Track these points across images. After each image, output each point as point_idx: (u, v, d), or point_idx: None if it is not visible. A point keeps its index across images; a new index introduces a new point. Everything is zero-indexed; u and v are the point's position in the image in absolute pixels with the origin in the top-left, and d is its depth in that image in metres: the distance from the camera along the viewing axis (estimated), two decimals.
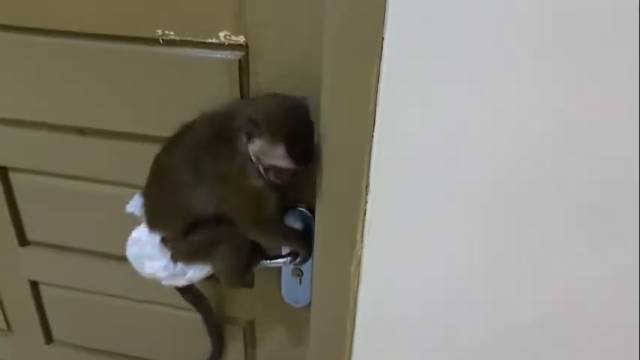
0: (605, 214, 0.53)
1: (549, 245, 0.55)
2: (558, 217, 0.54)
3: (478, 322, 0.62)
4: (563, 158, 0.51)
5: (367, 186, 0.57)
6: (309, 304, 0.75)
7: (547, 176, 0.52)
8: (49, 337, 0.95)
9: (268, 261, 0.70)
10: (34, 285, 0.89)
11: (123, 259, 0.81)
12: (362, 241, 0.60)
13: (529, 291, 0.58)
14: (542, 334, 0.60)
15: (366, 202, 0.58)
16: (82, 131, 0.73)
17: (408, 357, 0.67)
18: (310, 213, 0.68)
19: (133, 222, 0.77)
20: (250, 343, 0.84)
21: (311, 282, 0.73)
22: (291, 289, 0.76)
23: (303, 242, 0.67)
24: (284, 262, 0.70)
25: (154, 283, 0.82)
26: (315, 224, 0.63)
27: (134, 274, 0.82)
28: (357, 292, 0.64)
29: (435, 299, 0.62)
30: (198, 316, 0.83)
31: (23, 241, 0.85)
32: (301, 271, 0.74)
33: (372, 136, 0.54)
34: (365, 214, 0.59)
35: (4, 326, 0.95)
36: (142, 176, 0.73)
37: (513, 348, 0.63)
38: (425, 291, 0.62)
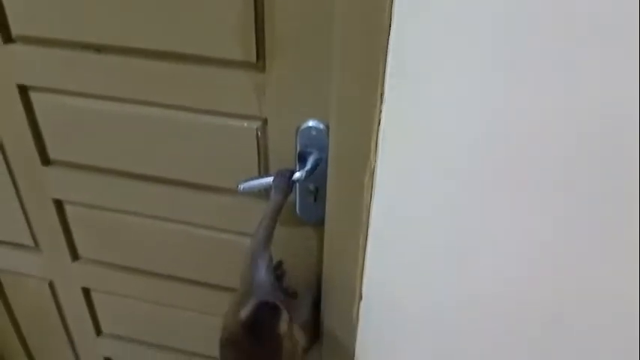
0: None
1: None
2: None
3: (488, 228, 0.62)
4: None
5: (382, 95, 0.57)
6: (324, 220, 0.78)
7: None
8: (75, 255, 0.99)
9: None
10: (59, 204, 0.92)
11: (144, 177, 0.84)
12: (376, 153, 0.61)
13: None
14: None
15: (381, 111, 0.58)
16: (98, 49, 0.73)
17: (419, 268, 0.69)
18: (323, 126, 0.68)
19: (153, 140, 0.79)
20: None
21: (325, 197, 0.75)
22: (306, 206, 0.77)
23: None
24: (299, 177, 0.70)
25: (175, 201, 0.85)
26: (330, 137, 0.63)
27: (155, 193, 0.85)
28: (370, 205, 0.66)
29: (446, 209, 0.63)
30: (222, 235, 0.86)
31: (46, 160, 0.87)
32: (316, 188, 0.76)
33: (387, 45, 0.54)
34: (379, 125, 0.59)
35: (32, 244, 0.99)
36: (160, 93, 0.74)
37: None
38: (436, 203, 0.63)
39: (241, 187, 0.72)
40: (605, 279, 0.60)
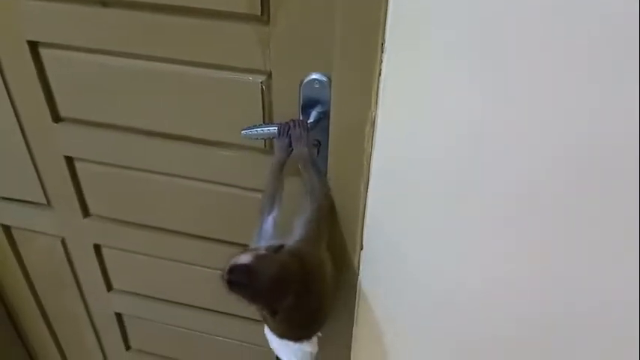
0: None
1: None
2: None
3: (487, 174, 0.64)
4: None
5: (382, 44, 0.58)
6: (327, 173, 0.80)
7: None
8: (86, 212, 1.02)
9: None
10: (69, 160, 0.95)
11: (152, 133, 0.86)
12: (376, 103, 0.63)
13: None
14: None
15: (382, 61, 0.60)
16: (105, 3, 0.75)
17: (419, 218, 0.71)
18: (326, 79, 0.70)
19: (160, 95, 0.81)
20: None
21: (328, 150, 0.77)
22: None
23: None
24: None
25: (182, 157, 0.87)
26: (332, 88, 0.65)
27: (166, 150, 0.87)
28: (370, 155, 0.68)
29: (446, 162, 0.65)
30: (230, 190, 0.88)
31: (56, 117, 0.90)
32: (319, 142, 0.78)
33: None
34: (380, 74, 0.61)
35: (44, 201, 1.03)
36: (165, 48, 0.76)
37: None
38: (437, 153, 0.65)
39: (244, 132, 0.73)
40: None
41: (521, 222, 0.65)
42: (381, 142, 0.66)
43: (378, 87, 0.61)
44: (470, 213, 0.68)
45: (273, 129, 0.73)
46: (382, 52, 0.59)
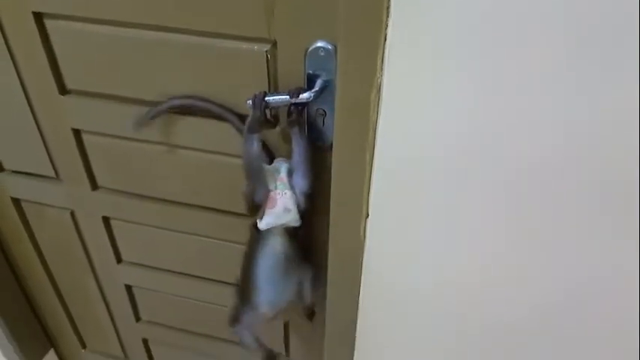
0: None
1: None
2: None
3: (495, 141, 0.65)
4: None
5: (388, 8, 0.58)
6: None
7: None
8: (94, 184, 1.03)
9: (294, 98, 0.73)
10: (77, 133, 0.95)
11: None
12: (382, 69, 0.63)
13: None
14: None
15: (387, 26, 0.59)
16: None
17: (425, 185, 0.72)
18: (332, 46, 0.70)
19: (166, 66, 0.81)
20: None
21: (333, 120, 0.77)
22: (315, 130, 0.80)
23: None
24: (307, 98, 0.72)
25: (189, 128, 0.88)
26: (337, 53, 0.65)
27: (173, 121, 0.87)
28: (376, 122, 0.68)
29: (456, 129, 0.65)
30: (238, 162, 0.88)
31: (63, 89, 0.90)
32: (324, 111, 0.78)
33: None
34: (385, 40, 0.60)
35: (53, 174, 1.04)
36: (170, 17, 0.76)
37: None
38: (445, 119, 0.65)
39: (250, 102, 0.74)
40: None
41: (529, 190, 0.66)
42: (387, 109, 0.66)
43: (383, 52, 0.61)
44: (477, 178, 0.68)
45: (279, 98, 0.73)
46: (388, 16, 0.58)
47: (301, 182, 0.80)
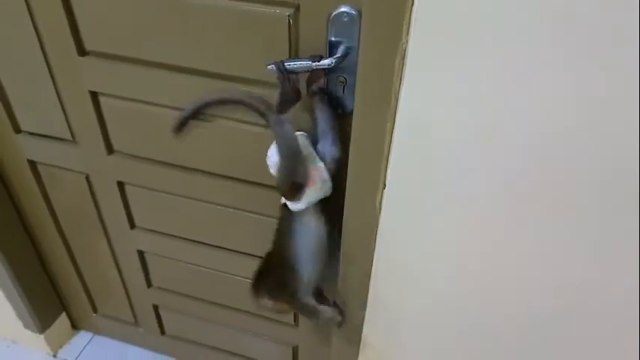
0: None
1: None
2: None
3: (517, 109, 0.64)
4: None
5: None
6: (352, 112, 0.79)
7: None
8: (110, 148, 1.03)
9: (315, 63, 0.72)
10: (94, 96, 0.95)
11: (178, 68, 0.86)
12: (407, 34, 0.62)
13: None
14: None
15: None
16: None
17: (445, 158, 0.71)
18: (356, 12, 0.69)
19: (186, 29, 0.80)
20: None
21: (354, 89, 0.76)
22: (335, 98, 0.79)
23: None
24: (329, 64, 0.71)
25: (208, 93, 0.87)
26: (362, 18, 0.64)
27: (191, 86, 0.87)
28: (399, 89, 0.67)
29: (479, 102, 0.64)
30: (257, 129, 0.88)
31: (82, 51, 0.90)
32: (345, 79, 0.77)
33: None
34: (413, 3, 0.59)
35: (69, 137, 1.04)
36: None
37: None
38: (470, 90, 0.63)
39: (269, 67, 0.73)
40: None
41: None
42: (411, 77, 0.65)
43: (410, 16, 0.60)
44: (497, 154, 0.67)
45: (300, 63, 0.72)
46: None
47: (331, 149, 0.79)
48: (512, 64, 0.59)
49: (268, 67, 0.73)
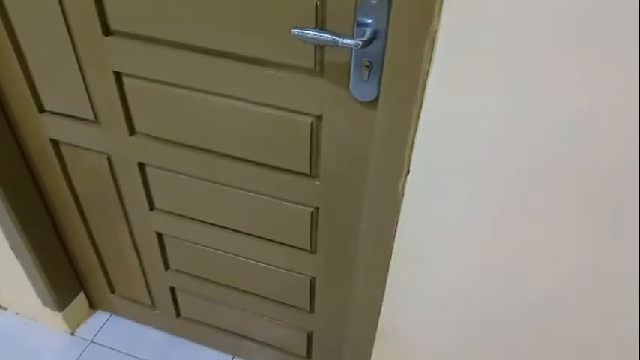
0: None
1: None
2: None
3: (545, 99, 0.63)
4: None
5: None
6: (375, 98, 0.79)
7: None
8: (132, 129, 1.04)
9: (342, 39, 0.70)
10: (118, 76, 0.95)
11: (203, 50, 0.85)
12: (439, 17, 0.61)
13: None
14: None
15: None
16: None
17: (469, 146, 0.70)
18: None
19: (213, 9, 0.79)
20: (316, 138, 0.89)
21: (380, 73, 0.76)
22: (360, 83, 0.78)
23: None
24: (355, 44, 0.70)
25: (232, 76, 0.86)
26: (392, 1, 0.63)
27: (216, 68, 0.86)
28: (427, 75, 0.66)
29: (507, 85, 0.63)
30: (279, 113, 0.87)
31: (107, 30, 0.90)
32: (371, 63, 0.76)
33: None
34: None
35: (92, 117, 1.04)
36: None
37: None
38: (498, 78, 0.62)
39: (294, 31, 0.71)
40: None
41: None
42: (440, 61, 0.64)
43: (442, 1, 0.59)
44: (525, 142, 0.66)
45: (326, 36, 0.70)
46: None
47: None
48: (546, 52, 0.58)
49: (293, 30, 0.71)
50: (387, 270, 0.90)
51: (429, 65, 0.65)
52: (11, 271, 1.41)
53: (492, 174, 0.71)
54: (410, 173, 0.76)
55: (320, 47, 0.78)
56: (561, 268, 0.76)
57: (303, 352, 1.37)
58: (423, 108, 0.69)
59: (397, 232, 0.84)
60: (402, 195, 0.79)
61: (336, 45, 0.71)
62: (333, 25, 0.75)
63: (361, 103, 0.81)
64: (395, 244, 0.86)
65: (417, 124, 0.71)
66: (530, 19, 0.56)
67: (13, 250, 1.34)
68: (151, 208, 1.18)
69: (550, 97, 0.61)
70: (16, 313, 1.61)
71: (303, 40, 0.71)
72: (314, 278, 1.15)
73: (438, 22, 0.61)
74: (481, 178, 0.73)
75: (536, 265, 0.78)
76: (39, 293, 1.46)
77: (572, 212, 0.70)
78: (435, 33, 0.62)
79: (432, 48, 0.63)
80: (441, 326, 0.94)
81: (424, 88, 0.67)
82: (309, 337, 1.32)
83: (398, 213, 0.81)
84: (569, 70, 0.58)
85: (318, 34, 0.71)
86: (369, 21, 0.71)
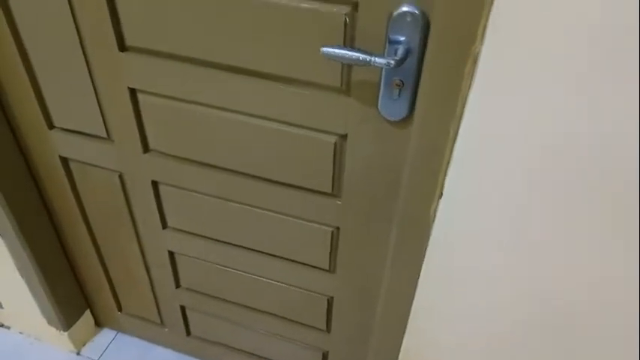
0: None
1: None
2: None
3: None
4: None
5: None
6: (405, 118, 0.76)
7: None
8: (146, 147, 1.00)
9: (374, 58, 0.67)
10: (133, 93, 0.92)
11: (220, 66, 0.82)
12: (482, 37, 0.58)
13: None
14: None
15: None
16: None
17: (506, 174, 0.67)
18: (419, 11, 0.65)
19: (233, 25, 0.76)
20: (339, 157, 0.86)
21: (412, 92, 0.73)
22: (389, 102, 0.75)
23: None
24: (387, 63, 0.67)
25: (250, 93, 0.84)
26: (431, 19, 0.60)
27: (231, 84, 0.84)
28: (466, 96, 0.63)
29: (548, 116, 0.60)
30: (297, 131, 0.85)
31: (122, 46, 0.87)
32: (402, 81, 0.73)
33: None
34: (492, 5, 0.55)
35: (104, 134, 1.01)
36: None
37: None
38: (540, 104, 0.60)
39: (325, 49, 0.68)
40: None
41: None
42: (481, 83, 0.61)
43: (487, 18, 0.56)
44: (568, 169, 0.63)
45: (357, 55, 0.67)
46: None
47: None
48: (589, 78, 0.55)
49: (323, 49, 0.69)
50: (414, 294, 0.87)
51: (470, 86, 0.62)
52: (15, 289, 1.37)
53: (529, 200, 0.69)
54: (443, 196, 0.73)
55: (347, 65, 0.75)
56: (598, 297, 0.73)
57: None
58: (460, 130, 0.66)
59: (426, 255, 0.81)
60: (434, 218, 0.76)
61: (367, 64, 0.68)
62: (363, 42, 0.72)
63: (389, 122, 0.78)
64: (423, 268, 0.83)
65: (452, 146, 0.68)
66: (578, 44, 0.54)
67: (18, 269, 1.30)
68: (164, 226, 1.15)
69: (596, 127, 0.58)
70: (20, 333, 1.56)
71: (334, 59, 0.69)
72: (332, 298, 1.12)
73: (482, 42, 0.58)
74: (517, 203, 0.70)
75: (578, 300, 0.75)
76: (44, 312, 1.42)
77: (616, 246, 0.67)
78: (478, 53, 0.59)
79: (474, 68, 0.60)
80: (470, 353, 0.91)
81: (463, 110, 0.64)
82: (325, 358, 1.28)
83: (428, 236, 0.78)
84: (616, 95, 0.55)
85: (349, 53, 0.68)
86: (402, 39, 0.69)
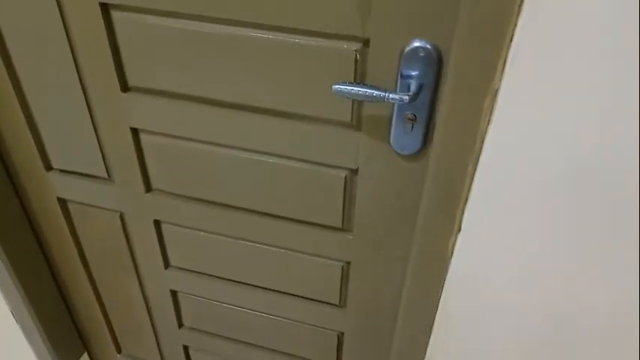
0: None
1: None
2: None
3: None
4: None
5: (520, 5, 0.52)
6: (417, 152, 0.75)
7: None
8: (148, 186, 0.98)
9: (388, 94, 0.66)
10: (135, 132, 0.90)
11: (223, 104, 0.81)
12: (502, 73, 0.57)
13: None
14: None
15: (515, 25, 0.53)
16: None
17: (526, 212, 0.66)
18: (431, 46, 0.64)
19: (238, 64, 0.75)
20: (350, 191, 0.84)
21: (425, 126, 0.72)
22: (401, 136, 0.74)
23: None
24: (400, 99, 0.66)
25: (254, 130, 0.82)
26: (451, 54, 0.59)
27: (235, 122, 0.82)
28: (485, 132, 0.62)
29: (568, 141, 0.59)
30: (301, 166, 0.83)
31: (125, 86, 0.85)
32: (414, 116, 0.72)
33: None
34: (512, 40, 0.54)
35: (105, 174, 0.98)
36: (250, 11, 0.70)
37: None
38: (563, 137, 0.59)
39: (336, 87, 0.67)
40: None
41: None
42: (501, 118, 0.60)
43: (507, 54, 0.55)
44: (589, 202, 0.62)
45: (371, 92, 0.66)
46: (519, 13, 0.52)
47: None
48: (613, 115, 0.55)
49: (335, 86, 0.67)
50: (430, 332, 0.85)
51: (488, 122, 0.61)
52: (8, 333, 1.31)
53: (552, 236, 0.67)
54: (461, 231, 0.72)
55: (358, 101, 0.74)
56: (623, 324, 0.72)
57: None
58: (479, 165, 0.65)
59: (444, 290, 0.79)
60: (452, 253, 0.74)
61: (381, 101, 0.67)
62: (373, 78, 0.71)
63: (401, 155, 0.76)
64: (441, 302, 0.81)
65: (471, 181, 0.67)
66: (600, 78, 0.53)
67: (13, 314, 1.25)
68: (166, 265, 1.12)
69: (620, 164, 0.57)
70: None
71: (347, 96, 0.67)
72: (342, 334, 1.09)
73: (501, 79, 0.57)
74: (537, 239, 0.68)
75: (599, 335, 0.73)
76: (39, 356, 1.36)
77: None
78: (497, 90, 0.58)
79: (493, 103, 0.59)
80: None
81: (482, 145, 0.63)
82: None
83: (446, 271, 0.76)
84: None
85: (362, 90, 0.66)
86: (414, 74, 0.68)
